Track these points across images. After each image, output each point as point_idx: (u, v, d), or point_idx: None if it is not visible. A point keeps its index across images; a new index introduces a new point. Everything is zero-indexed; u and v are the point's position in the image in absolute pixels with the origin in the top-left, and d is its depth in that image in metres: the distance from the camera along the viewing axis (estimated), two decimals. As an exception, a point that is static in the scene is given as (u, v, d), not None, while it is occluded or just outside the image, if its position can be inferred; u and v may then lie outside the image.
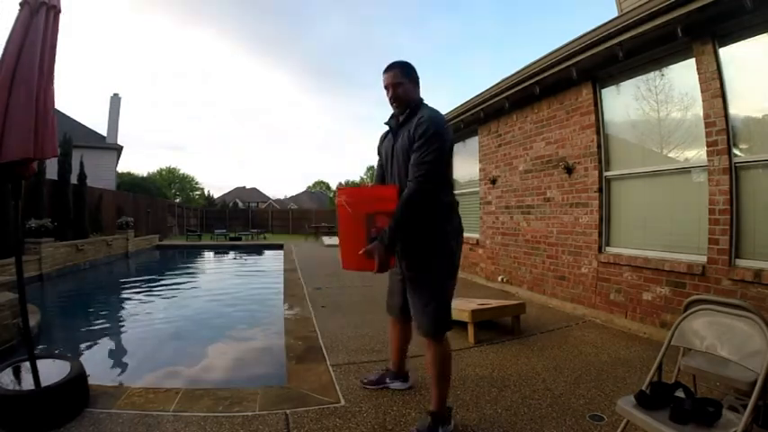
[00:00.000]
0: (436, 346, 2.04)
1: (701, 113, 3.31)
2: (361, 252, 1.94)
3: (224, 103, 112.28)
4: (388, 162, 2.22)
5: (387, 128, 2.31)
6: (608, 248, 4.31)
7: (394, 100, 2.16)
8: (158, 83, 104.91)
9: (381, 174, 2.34)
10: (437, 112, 2.09)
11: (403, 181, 2.04)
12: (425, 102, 2.19)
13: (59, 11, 2.20)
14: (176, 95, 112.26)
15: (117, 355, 4.19)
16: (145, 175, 38.69)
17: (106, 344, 4.50)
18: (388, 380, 2.57)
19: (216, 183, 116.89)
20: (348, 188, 2.27)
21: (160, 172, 45.57)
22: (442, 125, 2.02)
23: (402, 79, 2.13)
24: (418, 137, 1.96)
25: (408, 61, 2.22)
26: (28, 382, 2.16)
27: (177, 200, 37.67)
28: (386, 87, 2.17)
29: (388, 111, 2.27)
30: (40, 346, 3.86)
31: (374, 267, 1.93)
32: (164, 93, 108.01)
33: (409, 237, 2.00)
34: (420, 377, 2.68)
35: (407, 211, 1.92)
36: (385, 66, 2.19)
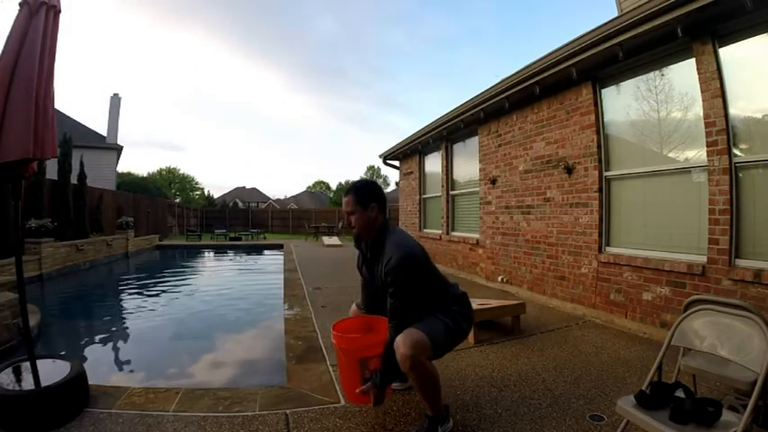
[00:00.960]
0: (414, 369, 1.89)
1: (701, 113, 3.31)
2: (357, 391, 2.09)
3: (224, 103, 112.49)
4: (369, 286, 2.31)
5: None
6: (608, 248, 4.31)
7: (350, 228, 2.20)
8: (159, 83, 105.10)
9: (368, 290, 2.37)
10: (402, 244, 2.04)
11: (381, 303, 2.15)
12: (389, 222, 2.20)
13: (59, 11, 2.20)
14: (177, 96, 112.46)
15: (117, 355, 4.19)
16: (145, 175, 38.75)
17: (106, 344, 4.49)
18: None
19: (216, 183, 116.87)
20: (341, 329, 2.33)
21: (160, 172, 45.56)
22: (410, 261, 1.98)
23: (355, 207, 2.13)
24: (389, 284, 1.99)
25: (366, 181, 2.25)
26: (28, 382, 2.17)
27: (177, 200, 37.64)
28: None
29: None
30: (40, 347, 3.85)
31: (371, 402, 2.07)
32: (164, 93, 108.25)
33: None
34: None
35: (391, 356, 1.95)
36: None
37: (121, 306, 6.57)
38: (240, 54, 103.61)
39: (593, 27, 3.89)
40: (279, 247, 15.00)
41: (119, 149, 19.19)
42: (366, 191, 2.17)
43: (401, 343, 1.88)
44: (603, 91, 4.42)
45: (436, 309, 2.10)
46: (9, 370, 2.33)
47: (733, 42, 3.16)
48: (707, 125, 3.25)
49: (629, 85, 4.18)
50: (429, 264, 2.13)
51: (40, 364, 2.24)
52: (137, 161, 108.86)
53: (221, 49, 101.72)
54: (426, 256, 2.13)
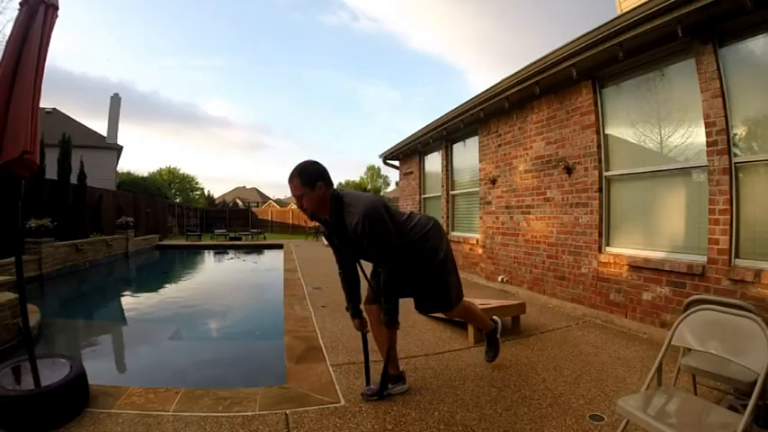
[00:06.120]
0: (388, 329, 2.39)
1: (701, 113, 3.31)
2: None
3: (224, 102, 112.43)
4: (343, 248, 2.42)
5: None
6: (608, 248, 4.31)
7: (303, 210, 2.26)
8: (159, 83, 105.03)
9: (342, 252, 2.47)
10: (363, 200, 2.19)
11: (359, 257, 2.42)
12: (337, 190, 2.24)
13: (57, 7, 2.20)
14: (177, 95, 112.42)
15: (117, 355, 4.19)
16: (145, 175, 38.65)
17: (106, 344, 4.50)
18: (389, 385, 2.56)
19: (216, 183, 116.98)
20: None
21: (160, 172, 45.49)
22: (375, 211, 2.15)
23: (303, 190, 2.18)
24: (366, 237, 2.14)
25: (308, 162, 2.24)
26: (28, 383, 2.16)
27: (177, 200, 37.61)
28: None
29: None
30: (41, 347, 3.85)
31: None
32: (164, 92, 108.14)
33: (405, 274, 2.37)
34: (420, 377, 2.68)
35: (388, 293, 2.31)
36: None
37: (121, 306, 6.57)
38: (241, 54, 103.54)
39: (593, 27, 3.89)
40: (279, 247, 14.99)
41: (119, 149, 19.19)
42: (309, 172, 2.20)
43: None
44: (603, 91, 4.42)
45: (417, 255, 2.38)
46: (9, 370, 2.33)
47: (733, 42, 3.16)
48: (707, 125, 3.25)
49: (629, 85, 4.17)
50: (389, 209, 2.32)
51: (40, 364, 2.24)
52: (137, 161, 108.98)
53: (221, 47, 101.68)
54: (384, 202, 2.34)
